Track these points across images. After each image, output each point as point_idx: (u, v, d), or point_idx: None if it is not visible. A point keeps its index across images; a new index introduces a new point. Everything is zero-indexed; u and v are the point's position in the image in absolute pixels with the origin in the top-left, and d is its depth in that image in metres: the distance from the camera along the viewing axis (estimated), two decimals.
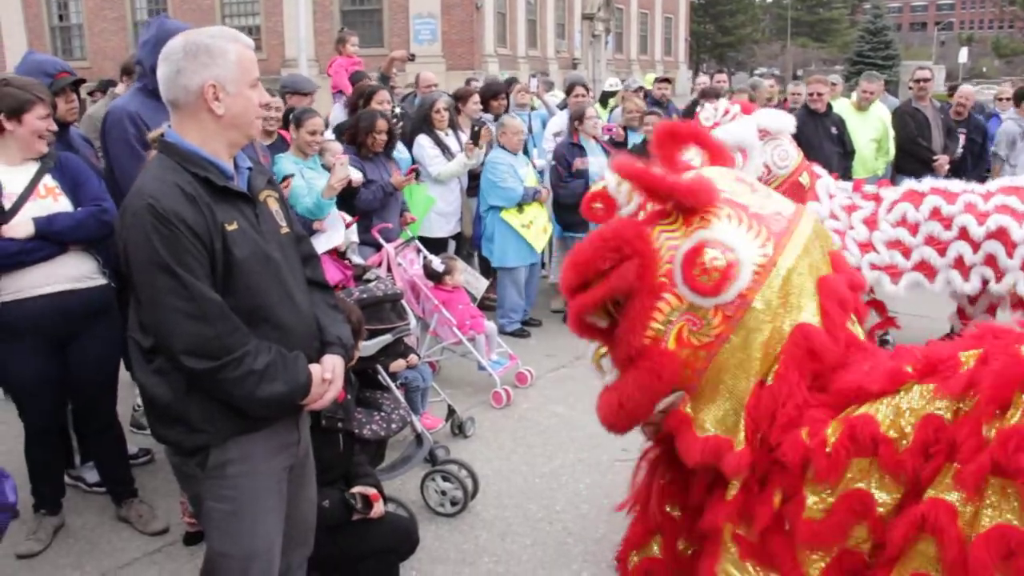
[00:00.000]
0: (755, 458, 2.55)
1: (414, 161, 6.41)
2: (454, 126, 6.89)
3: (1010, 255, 5.01)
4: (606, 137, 7.62)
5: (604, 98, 10.33)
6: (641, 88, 9.99)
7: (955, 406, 2.30)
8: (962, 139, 8.19)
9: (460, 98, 7.36)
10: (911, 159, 7.96)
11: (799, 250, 2.57)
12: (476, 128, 6.74)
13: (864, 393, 2.45)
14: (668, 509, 2.97)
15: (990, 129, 8.71)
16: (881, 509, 2.38)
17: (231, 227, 2.24)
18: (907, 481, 2.35)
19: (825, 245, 2.76)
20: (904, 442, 2.33)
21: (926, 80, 8.21)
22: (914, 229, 5.23)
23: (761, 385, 2.54)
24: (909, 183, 5.50)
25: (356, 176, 5.21)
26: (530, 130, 7.82)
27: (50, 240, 3.45)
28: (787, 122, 5.16)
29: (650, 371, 2.62)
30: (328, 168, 5.11)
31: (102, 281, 3.64)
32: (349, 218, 5.06)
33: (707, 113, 5.08)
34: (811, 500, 2.45)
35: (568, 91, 8.57)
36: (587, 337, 2.86)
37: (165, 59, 2.25)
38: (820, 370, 2.54)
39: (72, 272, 3.54)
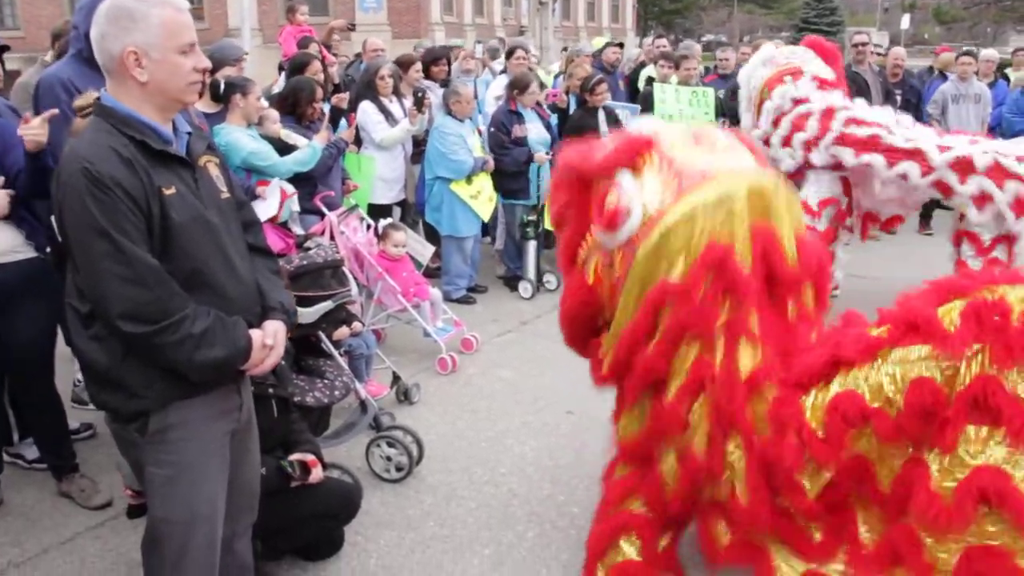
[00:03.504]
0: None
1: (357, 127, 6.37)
2: (398, 93, 6.85)
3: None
4: (548, 104, 7.59)
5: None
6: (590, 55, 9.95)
7: (942, 365, 2.24)
8: (898, 101, 8.36)
9: (402, 65, 7.29)
10: None
11: (687, 209, 2.53)
12: (420, 94, 6.68)
13: (836, 365, 2.46)
14: (634, 506, 2.91)
15: (926, 93, 8.91)
16: (884, 480, 2.40)
17: (168, 191, 2.21)
18: (909, 445, 2.32)
19: (763, 215, 2.62)
20: (894, 409, 2.30)
21: (863, 44, 8.37)
22: None
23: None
24: None
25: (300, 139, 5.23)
26: (476, 96, 7.77)
27: None
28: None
29: (566, 288, 3.05)
30: (267, 136, 5.07)
31: (30, 254, 3.56)
32: (290, 188, 5.00)
33: (784, 53, 6.25)
34: (807, 484, 2.51)
35: (508, 55, 8.53)
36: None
37: (94, 23, 2.21)
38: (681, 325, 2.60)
39: None
